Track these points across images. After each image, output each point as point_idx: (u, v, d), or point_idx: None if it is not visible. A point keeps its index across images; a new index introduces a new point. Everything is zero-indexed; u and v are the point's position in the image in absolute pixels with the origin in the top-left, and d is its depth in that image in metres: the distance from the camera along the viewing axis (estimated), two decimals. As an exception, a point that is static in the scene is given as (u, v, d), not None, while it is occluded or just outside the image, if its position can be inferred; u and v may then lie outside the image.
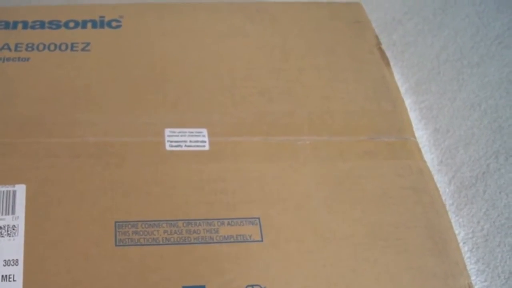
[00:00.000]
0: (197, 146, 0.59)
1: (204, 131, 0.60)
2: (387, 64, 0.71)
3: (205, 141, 0.60)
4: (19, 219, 0.53)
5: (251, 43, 0.70)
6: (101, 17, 0.69)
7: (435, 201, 0.59)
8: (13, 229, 0.52)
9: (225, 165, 0.58)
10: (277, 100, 0.64)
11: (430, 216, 0.58)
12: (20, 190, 0.54)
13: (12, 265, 0.50)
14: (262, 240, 0.54)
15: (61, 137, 0.57)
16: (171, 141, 0.59)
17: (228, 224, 0.55)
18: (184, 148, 0.59)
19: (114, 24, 0.68)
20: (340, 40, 0.72)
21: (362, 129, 0.63)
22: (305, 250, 0.54)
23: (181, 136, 0.59)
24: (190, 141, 0.59)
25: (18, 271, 0.50)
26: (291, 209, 0.56)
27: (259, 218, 0.55)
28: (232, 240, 0.54)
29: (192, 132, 0.60)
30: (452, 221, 0.70)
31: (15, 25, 0.66)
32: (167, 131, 0.59)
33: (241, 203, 0.56)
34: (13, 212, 0.53)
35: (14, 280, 0.50)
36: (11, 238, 0.51)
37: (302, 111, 0.64)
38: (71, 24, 0.67)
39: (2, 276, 0.50)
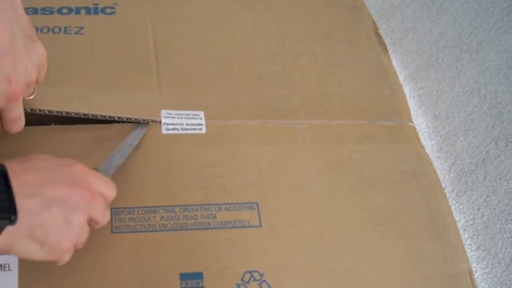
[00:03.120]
0: (194, 129, 0.58)
1: (201, 114, 0.59)
2: (385, 49, 0.70)
3: (201, 124, 0.59)
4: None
5: (247, 29, 0.69)
6: (95, 4, 0.68)
7: (434, 186, 0.59)
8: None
9: (222, 149, 0.58)
10: (274, 84, 0.64)
11: (429, 201, 0.58)
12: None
13: (7, 255, 0.49)
14: (260, 225, 0.53)
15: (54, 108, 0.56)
16: (168, 124, 0.58)
17: (226, 209, 0.54)
18: (180, 132, 0.58)
19: (108, 10, 0.68)
20: (337, 25, 0.71)
21: (360, 113, 0.63)
22: (304, 235, 0.54)
23: (178, 118, 0.58)
24: (187, 124, 0.58)
25: (13, 261, 0.49)
26: (290, 193, 0.56)
27: (257, 203, 0.54)
28: (230, 225, 0.53)
29: (188, 115, 0.59)
30: (453, 208, 0.69)
31: None
32: (164, 113, 0.58)
33: (239, 187, 0.55)
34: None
35: (9, 270, 0.49)
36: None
37: (299, 95, 0.63)
38: (65, 11, 0.66)
39: (-2, 265, 0.49)
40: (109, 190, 0.49)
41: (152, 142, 0.57)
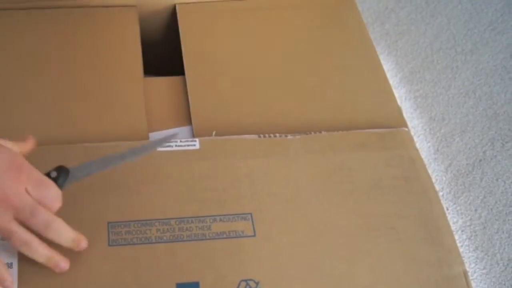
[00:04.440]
0: (188, 145, 0.59)
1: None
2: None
3: (195, 140, 0.60)
4: (13, 222, 0.53)
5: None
6: None
7: (428, 189, 0.59)
8: (8, 233, 0.52)
9: (215, 162, 0.59)
10: (268, 96, 0.64)
11: (423, 205, 0.58)
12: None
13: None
14: (254, 235, 0.54)
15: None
16: None
17: (220, 220, 0.55)
18: (174, 148, 0.59)
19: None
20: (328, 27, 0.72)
21: (352, 121, 0.63)
22: (298, 243, 0.54)
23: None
24: (180, 141, 0.59)
25: (12, 275, 0.50)
26: (283, 203, 0.56)
27: (251, 214, 0.55)
28: (224, 236, 0.54)
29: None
30: (450, 209, 0.70)
31: None
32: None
33: (233, 199, 0.56)
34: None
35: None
36: (5, 242, 0.52)
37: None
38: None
39: (-3, 279, 0.50)
40: (51, 201, 0.50)
41: (146, 157, 0.57)
